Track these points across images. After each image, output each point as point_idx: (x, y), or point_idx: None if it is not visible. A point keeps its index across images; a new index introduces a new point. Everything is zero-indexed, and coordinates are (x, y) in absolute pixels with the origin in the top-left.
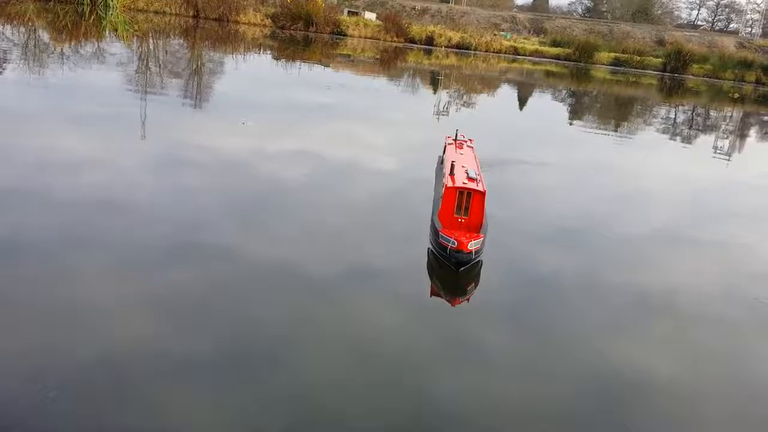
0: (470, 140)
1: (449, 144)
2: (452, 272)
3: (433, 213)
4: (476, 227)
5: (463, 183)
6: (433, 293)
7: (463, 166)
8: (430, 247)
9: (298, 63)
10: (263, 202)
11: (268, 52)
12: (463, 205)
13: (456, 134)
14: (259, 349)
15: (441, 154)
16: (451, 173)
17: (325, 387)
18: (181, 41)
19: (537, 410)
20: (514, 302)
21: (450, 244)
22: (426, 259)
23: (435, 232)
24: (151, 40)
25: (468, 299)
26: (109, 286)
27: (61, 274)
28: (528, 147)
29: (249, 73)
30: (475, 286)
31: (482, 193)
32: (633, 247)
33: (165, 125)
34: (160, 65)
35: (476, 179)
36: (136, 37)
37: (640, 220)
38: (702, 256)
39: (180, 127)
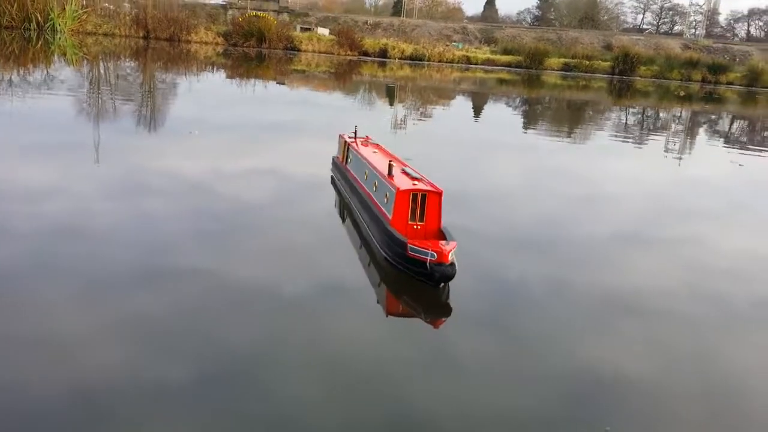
0: (367, 137)
1: (351, 142)
2: (419, 283)
3: (373, 221)
4: (434, 234)
5: (414, 185)
6: (401, 305)
7: (402, 168)
8: (388, 258)
9: (252, 80)
10: (226, 222)
11: (222, 70)
12: (417, 210)
13: (355, 132)
14: (233, 371)
15: (337, 154)
16: (390, 174)
17: (301, 405)
18: (133, 63)
19: (511, 415)
20: (482, 308)
21: (428, 257)
22: (393, 273)
23: (398, 244)
24: (101, 64)
25: (438, 308)
26: (76, 314)
27: (24, 303)
28: (485, 155)
29: (203, 93)
30: (444, 295)
31: (439, 195)
32: (596, 249)
33: (120, 150)
34: (111, 89)
35: (422, 179)
36: (85, 61)
37: (600, 223)
38: (663, 255)
39: (135, 151)
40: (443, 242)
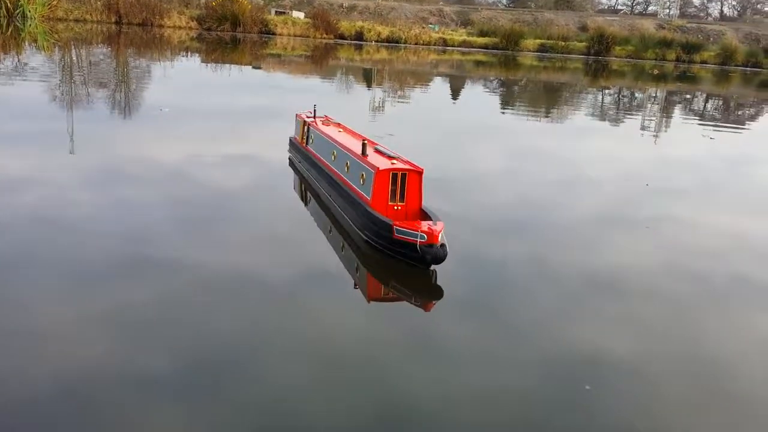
0: (326, 116)
1: (311, 121)
2: (403, 265)
3: (349, 204)
4: (415, 214)
5: (392, 164)
6: (384, 289)
7: (375, 147)
8: (370, 241)
9: (227, 65)
10: (206, 210)
11: (196, 55)
12: (398, 190)
13: (314, 111)
14: (220, 360)
15: (295, 135)
16: (364, 154)
17: (291, 393)
18: (105, 49)
19: (494, 395)
20: (465, 289)
21: (418, 239)
22: (375, 256)
23: (382, 226)
24: (73, 50)
25: (423, 291)
26: (56, 305)
27: (1, 294)
28: (463, 137)
29: (178, 79)
30: (428, 277)
31: (419, 173)
32: (576, 229)
33: (95, 137)
34: (84, 75)
35: (398, 157)
36: (57, 48)
37: (580, 203)
38: (643, 234)
39: (110, 138)
40: (429, 222)
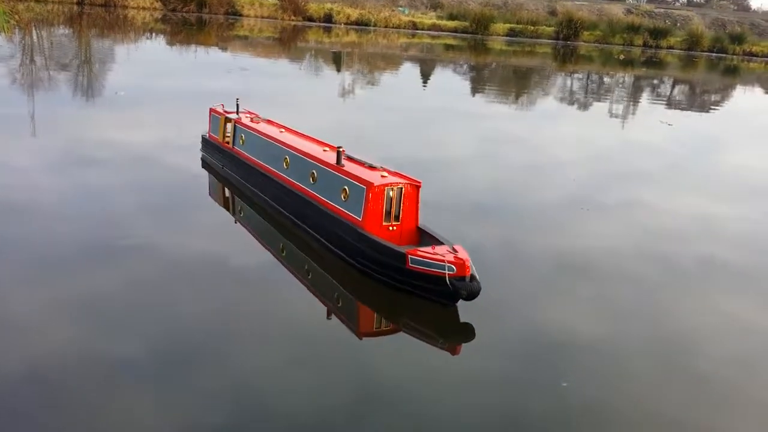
0: (248, 110)
1: (237, 119)
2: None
3: (329, 223)
4: (411, 235)
5: (383, 177)
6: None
7: (344, 154)
8: (369, 269)
9: (193, 47)
10: (173, 194)
11: (161, 36)
12: (393, 209)
13: (238, 106)
14: (190, 344)
15: (210, 133)
16: (339, 163)
17: (261, 377)
18: (67, 30)
19: (470, 376)
20: None
21: (446, 271)
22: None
23: (390, 254)
24: (34, 31)
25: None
26: (25, 292)
27: None
28: (434, 122)
29: (143, 61)
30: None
31: (417, 187)
32: (547, 213)
33: (58, 121)
34: (46, 57)
35: (380, 168)
36: (17, 29)
37: (550, 188)
38: (611, 217)
39: (74, 122)
40: (446, 247)
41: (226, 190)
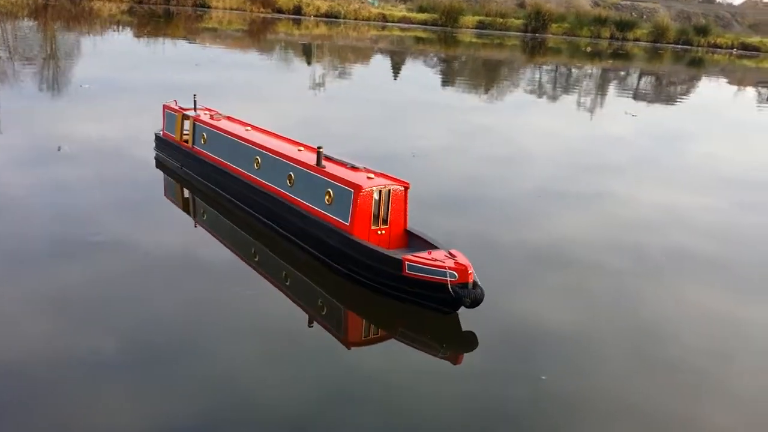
0: (207, 107)
1: (196, 116)
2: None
3: (312, 227)
4: (400, 238)
5: (369, 178)
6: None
7: (324, 155)
8: (358, 276)
9: (161, 39)
10: (143, 190)
11: (128, 29)
12: (381, 212)
13: (195, 102)
14: (163, 341)
15: (165, 131)
16: (319, 164)
17: (235, 374)
18: (32, 23)
19: (449, 371)
20: None
21: (448, 278)
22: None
23: (384, 261)
24: None
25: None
26: None
27: None
28: (406, 115)
29: (109, 54)
30: None
31: (405, 189)
32: (519, 205)
33: (23, 115)
34: (10, 51)
35: (363, 168)
36: None
37: (521, 180)
38: (581, 208)
39: (41, 117)
40: (441, 252)
41: (185, 191)
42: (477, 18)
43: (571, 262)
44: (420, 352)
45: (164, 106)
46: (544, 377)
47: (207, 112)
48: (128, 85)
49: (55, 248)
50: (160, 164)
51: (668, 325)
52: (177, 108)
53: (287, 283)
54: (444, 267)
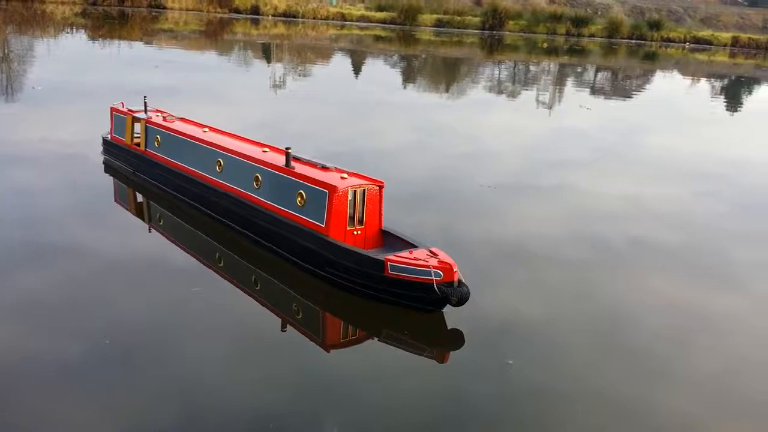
0: (159, 109)
1: (147, 118)
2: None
3: (285, 230)
4: (376, 238)
5: (343, 178)
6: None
7: (292, 155)
8: (338, 279)
9: (116, 41)
10: (93, 195)
11: (82, 31)
12: (356, 212)
13: (146, 104)
14: (132, 345)
15: (113, 134)
16: (288, 165)
17: (204, 376)
18: None
19: (416, 364)
20: None
21: (433, 277)
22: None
23: (365, 262)
24: None
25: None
26: None
27: None
28: (368, 113)
29: (63, 56)
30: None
31: (380, 188)
32: (481, 200)
33: None
34: None
35: (331, 168)
36: None
37: (484, 175)
38: (543, 203)
39: None
40: (422, 251)
41: (138, 195)
42: (435, 16)
43: (533, 254)
44: (404, 352)
45: (112, 109)
46: (510, 362)
47: (159, 114)
48: (81, 88)
49: (7, 254)
50: (109, 168)
51: (630, 313)
52: (125, 110)
53: (257, 288)
54: (428, 266)
